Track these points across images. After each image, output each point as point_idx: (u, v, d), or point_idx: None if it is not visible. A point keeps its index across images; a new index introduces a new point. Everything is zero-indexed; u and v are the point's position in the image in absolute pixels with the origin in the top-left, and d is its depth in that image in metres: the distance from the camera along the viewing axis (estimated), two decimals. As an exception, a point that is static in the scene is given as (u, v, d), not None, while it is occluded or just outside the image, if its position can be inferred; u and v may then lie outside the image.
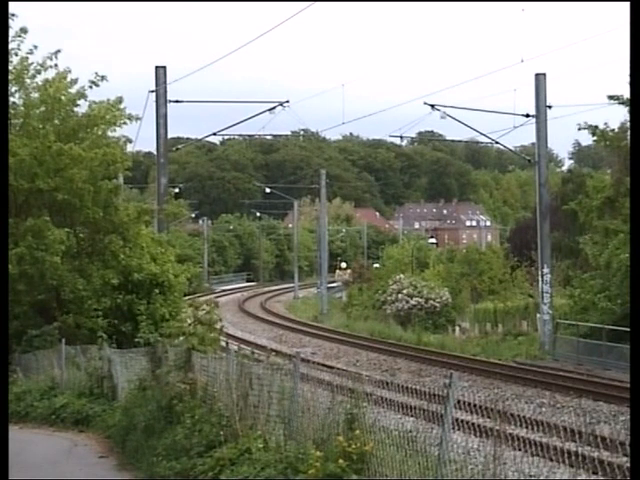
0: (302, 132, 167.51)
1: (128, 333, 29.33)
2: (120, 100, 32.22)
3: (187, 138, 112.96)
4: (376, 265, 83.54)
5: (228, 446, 12.96)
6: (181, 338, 17.23)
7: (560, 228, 59.61)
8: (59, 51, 31.67)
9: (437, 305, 55.67)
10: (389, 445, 9.78)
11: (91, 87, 31.74)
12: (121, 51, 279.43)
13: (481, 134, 43.06)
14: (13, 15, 28.69)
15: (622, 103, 36.58)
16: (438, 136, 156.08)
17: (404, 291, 56.36)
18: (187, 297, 34.67)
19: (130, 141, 33.93)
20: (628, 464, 7.56)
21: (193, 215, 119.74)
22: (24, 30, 30.80)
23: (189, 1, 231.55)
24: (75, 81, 31.84)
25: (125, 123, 32.39)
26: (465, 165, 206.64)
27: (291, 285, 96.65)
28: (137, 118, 32.88)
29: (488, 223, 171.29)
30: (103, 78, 31.84)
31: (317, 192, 79.43)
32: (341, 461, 10.03)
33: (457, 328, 51.38)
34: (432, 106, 38.79)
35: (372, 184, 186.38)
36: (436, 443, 8.93)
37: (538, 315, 41.95)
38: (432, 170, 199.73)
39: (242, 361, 14.38)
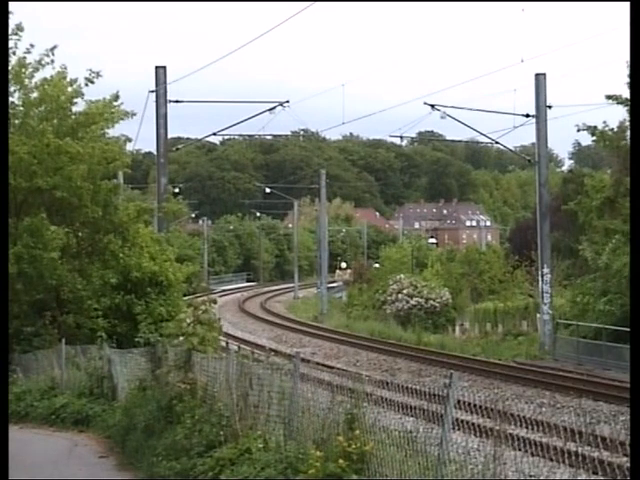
0: (302, 132, 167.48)
1: (128, 333, 29.32)
2: (116, 97, 32.10)
3: (187, 138, 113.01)
4: (376, 265, 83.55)
5: (228, 446, 12.96)
6: (181, 338, 17.23)
7: (560, 228, 59.56)
8: (55, 47, 31.49)
9: (437, 305, 55.65)
10: (389, 445, 9.77)
11: (87, 85, 31.58)
12: (121, 51, 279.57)
13: (481, 134, 43.15)
14: (10, 13, 28.51)
15: (621, 103, 36.54)
16: (438, 136, 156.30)
17: (404, 291, 56.33)
18: (186, 297, 34.67)
19: (130, 140, 33.92)
20: (628, 464, 7.56)
21: (193, 215, 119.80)
22: (20, 28, 30.51)
23: (189, 1, 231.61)
24: (75, 80, 31.77)
25: (122, 119, 32.31)
26: (465, 165, 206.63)
27: (291, 285, 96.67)
28: (133, 114, 32.79)
29: (488, 223, 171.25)
30: (98, 74, 31.67)
31: (317, 192, 79.40)
32: (341, 461, 10.03)
33: (457, 328, 51.38)
34: (432, 106, 38.81)
35: (372, 184, 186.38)
36: (436, 443, 8.93)
37: (538, 315, 41.95)
38: (432, 170, 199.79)
39: (242, 361, 14.38)
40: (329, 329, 56.20)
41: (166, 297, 31.85)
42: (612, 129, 38.37)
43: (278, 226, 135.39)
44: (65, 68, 31.64)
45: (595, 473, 9.33)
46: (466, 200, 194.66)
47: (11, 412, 21.19)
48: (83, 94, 31.75)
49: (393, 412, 10.63)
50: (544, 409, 25.10)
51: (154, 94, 35.33)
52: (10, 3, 23.20)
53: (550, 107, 39.63)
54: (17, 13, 30.91)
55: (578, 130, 39.14)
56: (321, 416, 11.41)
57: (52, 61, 31.30)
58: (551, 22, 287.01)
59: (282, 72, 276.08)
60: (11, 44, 30.18)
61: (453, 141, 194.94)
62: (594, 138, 39.22)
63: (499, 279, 61.56)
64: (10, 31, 29.75)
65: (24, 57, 31.09)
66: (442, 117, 38.71)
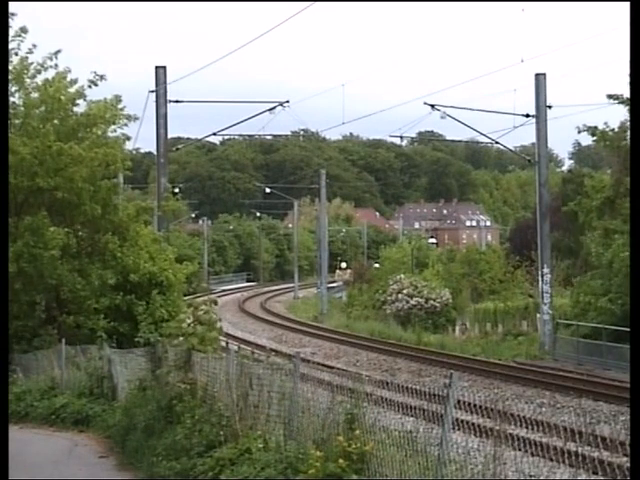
0: (302, 132, 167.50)
1: (128, 333, 29.29)
2: (118, 99, 32.08)
3: (187, 138, 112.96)
4: (376, 265, 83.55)
5: (228, 446, 12.96)
6: (181, 338, 17.22)
7: (560, 228, 59.60)
8: (59, 51, 31.57)
9: (437, 305, 55.64)
10: (389, 445, 9.77)
11: (90, 87, 31.59)
12: (121, 51, 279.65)
13: (481, 134, 43.11)
14: (13, 14, 28.58)
15: (622, 102, 36.55)
16: (438, 136, 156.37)
17: (404, 291, 56.32)
18: (187, 297, 34.65)
19: (129, 139, 33.86)
20: (628, 464, 7.56)
21: (193, 215, 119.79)
22: (24, 30, 30.65)
23: (189, 1, 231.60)
24: (75, 81, 31.76)
25: (126, 125, 32.32)
26: (465, 165, 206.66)
27: (291, 285, 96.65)
28: (135, 118, 32.78)
29: (488, 223, 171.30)
30: (102, 77, 31.69)
31: (317, 192, 79.37)
32: (341, 461, 10.03)
33: (457, 328, 51.38)
34: (432, 106, 38.79)
35: (372, 184, 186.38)
36: (436, 443, 8.92)
37: (538, 315, 41.95)
38: (432, 170, 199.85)
39: (242, 361, 14.37)
40: (329, 329, 56.18)
41: (166, 297, 31.79)
42: (612, 129, 38.39)
43: (278, 226, 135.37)
44: (69, 70, 31.69)
45: (595, 473, 9.34)
46: (466, 200, 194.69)
47: (11, 412, 21.19)
48: (85, 95, 31.78)
49: (393, 412, 10.63)
50: (544, 409, 25.10)
51: (154, 94, 35.30)
52: (10, 3, 23.25)
53: (550, 107, 39.63)
54: (17, 14, 30.67)
55: (579, 132, 39.27)
56: (321, 416, 11.41)
57: (55, 65, 31.37)
58: (551, 22, 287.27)
59: (282, 72, 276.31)
60: (14, 45, 30.27)
61: (453, 141, 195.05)
62: (594, 138, 39.25)
63: (499, 279, 61.58)
64: (14, 33, 29.86)
65: (26, 57, 31.11)
66: (442, 117, 38.72)
